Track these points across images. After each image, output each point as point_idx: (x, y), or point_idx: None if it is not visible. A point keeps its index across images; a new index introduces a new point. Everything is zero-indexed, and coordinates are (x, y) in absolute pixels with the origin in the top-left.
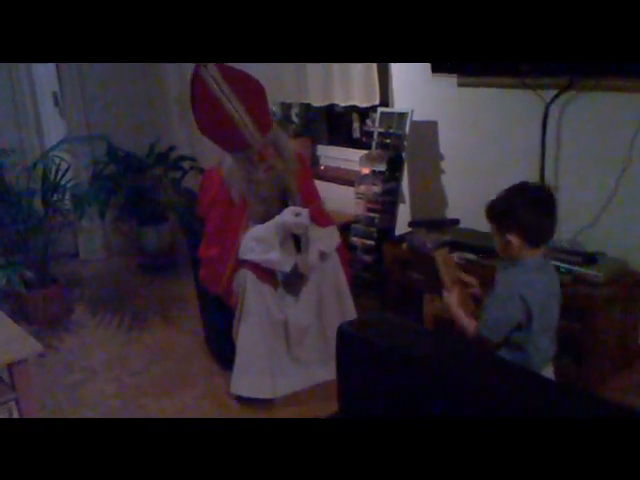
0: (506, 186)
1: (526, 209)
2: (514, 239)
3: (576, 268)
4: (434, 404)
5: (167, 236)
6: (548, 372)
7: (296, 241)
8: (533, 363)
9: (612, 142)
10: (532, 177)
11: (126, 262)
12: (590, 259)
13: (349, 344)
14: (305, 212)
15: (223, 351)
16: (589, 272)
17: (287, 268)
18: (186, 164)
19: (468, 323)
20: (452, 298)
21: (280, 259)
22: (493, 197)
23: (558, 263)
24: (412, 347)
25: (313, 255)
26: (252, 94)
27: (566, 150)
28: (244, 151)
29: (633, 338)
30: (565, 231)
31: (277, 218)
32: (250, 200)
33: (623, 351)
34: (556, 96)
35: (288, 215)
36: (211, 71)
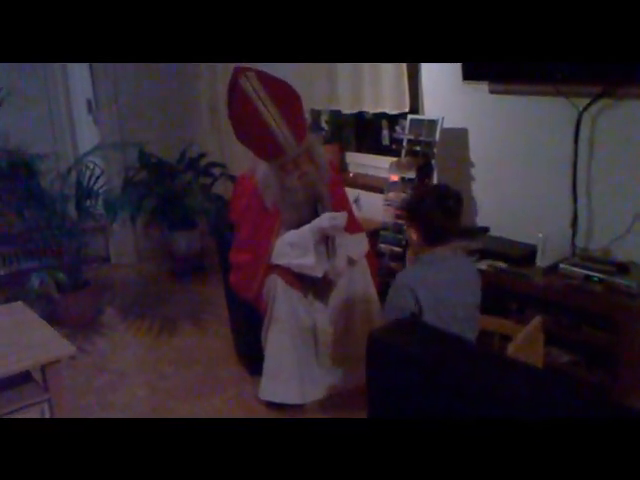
0: (536, 194)
1: (428, 207)
2: (415, 235)
3: (608, 278)
4: (463, 410)
5: (197, 241)
6: None
7: (326, 248)
8: None
9: None
10: (563, 186)
11: (156, 267)
12: (623, 268)
13: (380, 350)
14: (342, 216)
15: (252, 356)
16: (622, 282)
17: (320, 273)
18: (216, 170)
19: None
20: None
21: (314, 264)
22: (522, 206)
23: (590, 272)
24: (441, 354)
25: (341, 261)
26: (289, 102)
27: (598, 159)
28: (279, 158)
29: None
30: (597, 240)
31: (314, 223)
32: (283, 207)
33: None
34: (589, 104)
35: (325, 220)
36: (250, 78)
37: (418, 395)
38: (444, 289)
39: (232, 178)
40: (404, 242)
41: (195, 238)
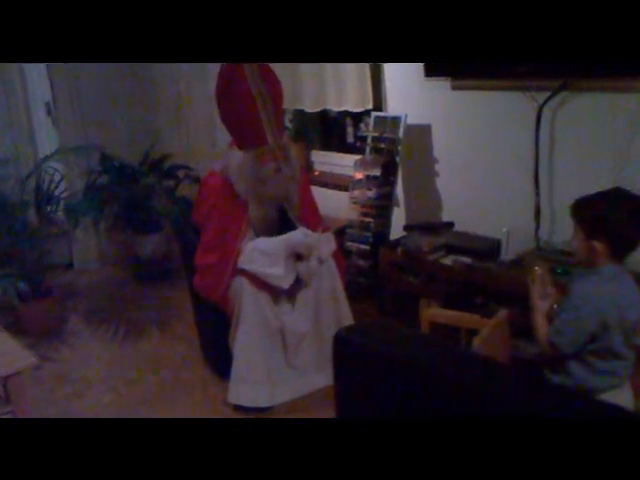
0: (500, 189)
1: (621, 220)
2: (601, 247)
3: (571, 270)
4: (431, 408)
5: (161, 245)
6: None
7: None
8: (616, 369)
9: (606, 143)
10: (526, 180)
11: (121, 271)
12: None
13: (346, 350)
14: (315, 236)
15: (219, 360)
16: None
17: (286, 285)
18: (180, 173)
19: (545, 332)
20: (544, 305)
21: (282, 275)
22: (486, 201)
23: (553, 265)
24: (409, 353)
25: (313, 262)
26: (278, 96)
27: (560, 151)
28: (259, 147)
29: None
30: (560, 232)
31: (288, 236)
32: (253, 199)
33: None
34: (549, 98)
35: (299, 235)
36: (253, 65)
37: (385, 394)
38: (625, 305)
39: (196, 180)
40: (371, 239)
41: (160, 241)
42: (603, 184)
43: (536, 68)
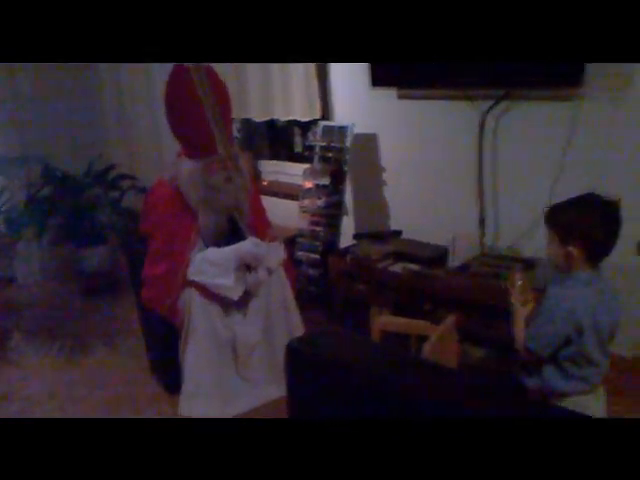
0: (446, 196)
1: (595, 225)
2: (576, 252)
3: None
4: (383, 415)
5: (107, 258)
6: (602, 388)
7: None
8: (589, 376)
9: (546, 149)
10: (471, 187)
11: (65, 285)
12: (529, 265)
13: (298, 360)
14: (264, 245)
15: (169, 374)
16: (528, 277)
17: (236, 296)
18: (125, 183)
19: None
20: (524, 312)
21: (232, 286)
22: (433, 209)
23: (498, 270)
24: (360, 361)
25: (262, 272)
26: (227, 103)
27: (503, 159)
28: (208, 157)
29: None
30: (504, 238)
31: (237, 246)
32: (203, 209)
33: None
34: (492, 107)
35: (249, 246)
36: (201, 72)
37: (338, 403)
38: (599, 309)
39: (142, 190)
40: (320, 248)
41: (105, 254)
42: (544, 189)
43: (479, 78)
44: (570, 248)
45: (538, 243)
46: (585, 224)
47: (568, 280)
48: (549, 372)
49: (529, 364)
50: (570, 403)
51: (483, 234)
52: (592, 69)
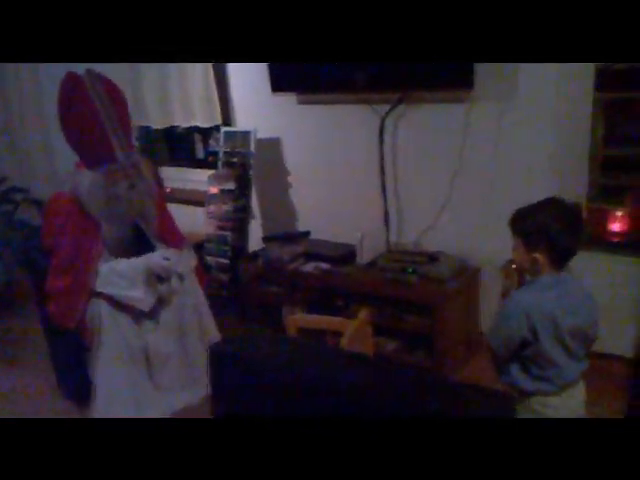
0: (351, 197)
1: (562, 231)
2: (541, 258)
3: (421, 268)
4: (308, 406)
5: (1, 274)
6: (579, 389)
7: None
8: (553, 377)
9: (443, 150)
10: (375, 187)
11: None
12: (433, 258)
13: (222, 363)
14: (175, 257)
15: (79, 389)
16: (433, 269)
17: (147, 308)
18: (18, 196)
19: None
20: None
21: (143, 297)
22: (339, 209)
23: (404, 265)
24: (282, 356)
25: (174, 281)
26: (123, 109)
27: (403, 160)
28: (107, 166)
29: (474, 328)
30: (408, 234)
31: (146, 258)
32: (107, 220)
33: (468, 340)
34: (390, 110)
35: (157, 257)
36: (92, 77)
37: (263, 399)
38: (560, 311)
39: (36, 203)
40: (230, 252)
41: (0, 270)
42: (443, 188)
43: (374, 81)
44: (536, 255)
45: (439, 237)
46: (551, 231)
47: (531, 284)
48: (514, 370)
49: (499, 362)
50: (537, 402)
51: (388, 231)
52: (482, 71)
